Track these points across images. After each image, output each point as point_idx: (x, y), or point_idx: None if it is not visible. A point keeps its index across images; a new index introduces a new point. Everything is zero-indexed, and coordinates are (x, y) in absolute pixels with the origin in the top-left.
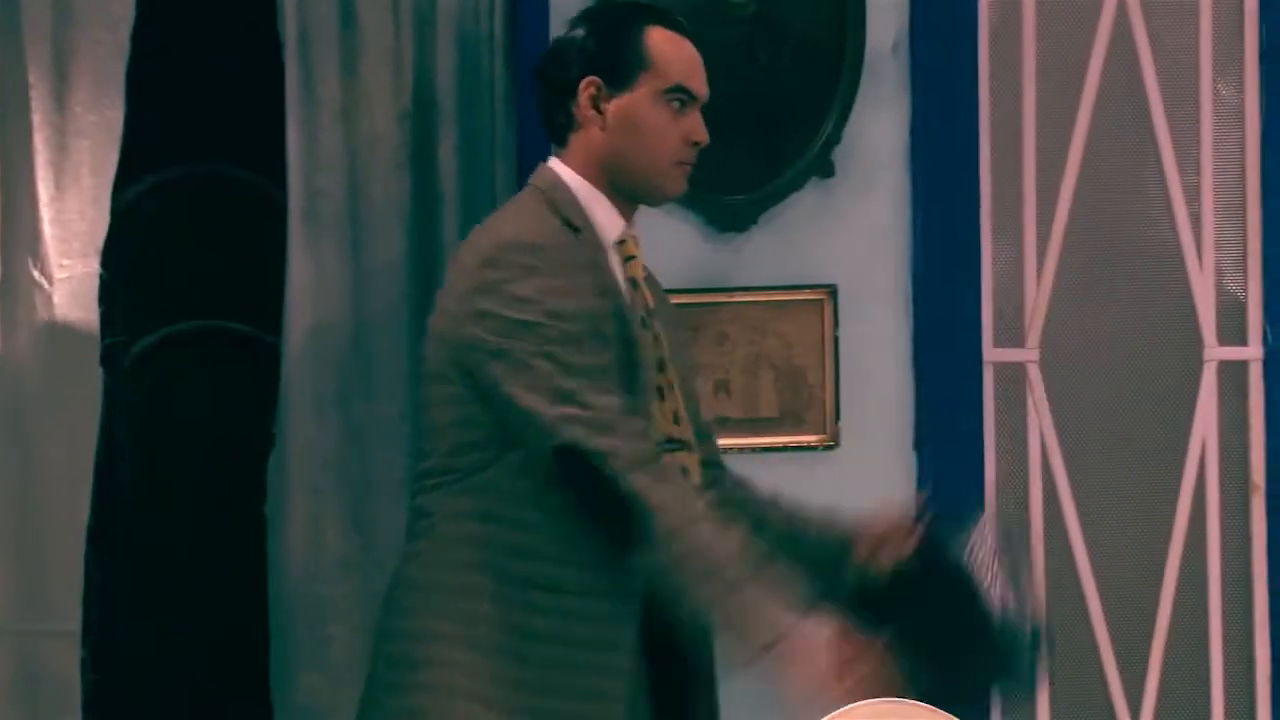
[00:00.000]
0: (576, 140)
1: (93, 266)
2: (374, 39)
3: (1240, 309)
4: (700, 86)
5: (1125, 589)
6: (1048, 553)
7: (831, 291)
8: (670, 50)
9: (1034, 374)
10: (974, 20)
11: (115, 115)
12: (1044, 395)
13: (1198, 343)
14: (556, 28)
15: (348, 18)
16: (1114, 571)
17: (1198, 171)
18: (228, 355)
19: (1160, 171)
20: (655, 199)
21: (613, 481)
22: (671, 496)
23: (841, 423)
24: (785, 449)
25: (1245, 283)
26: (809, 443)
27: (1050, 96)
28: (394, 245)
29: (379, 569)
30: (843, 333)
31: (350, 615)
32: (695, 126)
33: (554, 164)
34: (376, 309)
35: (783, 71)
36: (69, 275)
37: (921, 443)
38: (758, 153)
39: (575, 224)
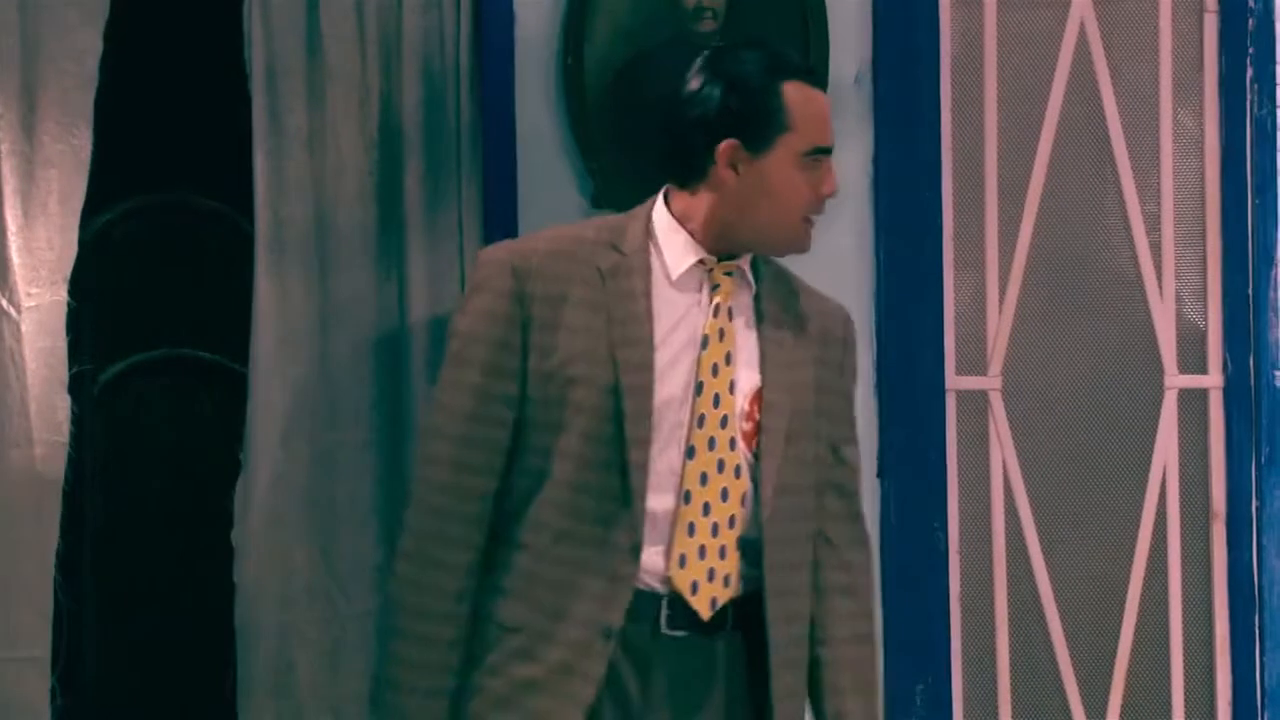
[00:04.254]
0: (700, 191)
1: (60, 295)
2: (340, 69)
3: (1200, 337)
4: (832, 138)
5: (1087, 615)
6: (1010, 579)
7: None
8: (808, 109)
9: (996, 402)
10: (936, 52)
11: (83, 144)
12: (1006, 423)
13: (1158, 371)
14: (521, 57)
15: (314, 48)
16: (1076, 597)
17: (1158, 200)
18: (195, 383)
19: (1121, 201)
20: (779, 254)
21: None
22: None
23: None
24: None
25: (1205, 311)
26: None
27: (1012, 127)
28: (360, 274)
29: (345, 596)
30: None
31: (316, 642)
32: (827, 179)
33: (659, 198)
34: (343, 337)
35: None
36: (36, 304)
37: (885, 470)
38: None
39: (623, 248)
